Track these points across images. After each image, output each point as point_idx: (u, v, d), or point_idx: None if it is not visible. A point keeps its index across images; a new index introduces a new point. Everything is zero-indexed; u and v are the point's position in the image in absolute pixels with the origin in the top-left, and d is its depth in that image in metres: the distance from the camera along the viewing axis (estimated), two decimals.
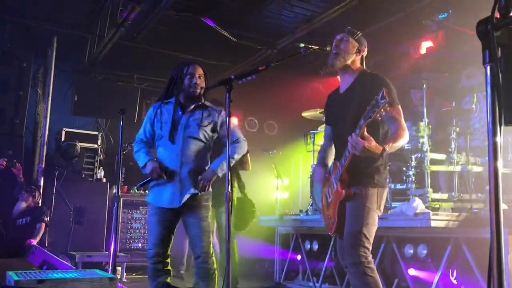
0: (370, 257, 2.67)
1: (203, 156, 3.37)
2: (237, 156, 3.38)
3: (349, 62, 2.87)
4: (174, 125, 3.30)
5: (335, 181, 2.78)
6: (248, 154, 5.62)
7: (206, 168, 3.37)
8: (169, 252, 3.36)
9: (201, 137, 3.32)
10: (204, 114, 3.37)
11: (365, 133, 2.50)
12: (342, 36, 2.89)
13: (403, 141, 2.66)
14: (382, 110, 2.36)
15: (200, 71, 3.39)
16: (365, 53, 2.95)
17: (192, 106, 3.37)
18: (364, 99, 2.65)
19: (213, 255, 3.32)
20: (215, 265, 3.30)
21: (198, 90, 3.34)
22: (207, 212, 3.35)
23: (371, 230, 2.70)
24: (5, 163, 6.02)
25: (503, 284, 1.10)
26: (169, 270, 3.34)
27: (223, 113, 3.39)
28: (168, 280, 3.32)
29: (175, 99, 3.39)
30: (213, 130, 3.39)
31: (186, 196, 3.26)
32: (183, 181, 3.27)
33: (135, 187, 7.22)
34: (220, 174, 3.28)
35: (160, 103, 3.45)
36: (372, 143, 2.50)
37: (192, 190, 3.27)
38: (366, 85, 2.78)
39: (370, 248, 2.68)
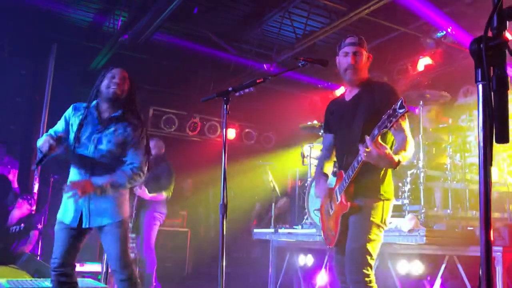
0: (372, 276, 2.54)
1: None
2: (126, 184, 2.88)
3: (363, 74, 2.79)
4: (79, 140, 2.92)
5: (339, 193, 2.64)
6: None
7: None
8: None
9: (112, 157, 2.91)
10: (118, 130, 2.94)
11: (379, 141, 2.34)
12: (355, 49, 2.73)
13: (410, 152, 2.52)
14: (400, 120, 2.23)
15: (124, 74, 3.02)
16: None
17: (108, 118, 2.96)
18: (374, 107, 2.59)
19: (133, 264, 2.92)
20: (135, 274, 2.89)
21: (118, 92, 2.94)
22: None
23: (375, 246, 2.57)
24: None
25: None
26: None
27: (138, 132, 2.96)
28: None
29: (94, 105, 3.01)
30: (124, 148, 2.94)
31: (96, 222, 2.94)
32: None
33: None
34: (109, 191, 2.85)
35: (84, 106, 3.04)
36: (387, 152, 2.33)
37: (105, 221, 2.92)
38: (374, 92, 2.69)
39: (373, 265, 2.56)
